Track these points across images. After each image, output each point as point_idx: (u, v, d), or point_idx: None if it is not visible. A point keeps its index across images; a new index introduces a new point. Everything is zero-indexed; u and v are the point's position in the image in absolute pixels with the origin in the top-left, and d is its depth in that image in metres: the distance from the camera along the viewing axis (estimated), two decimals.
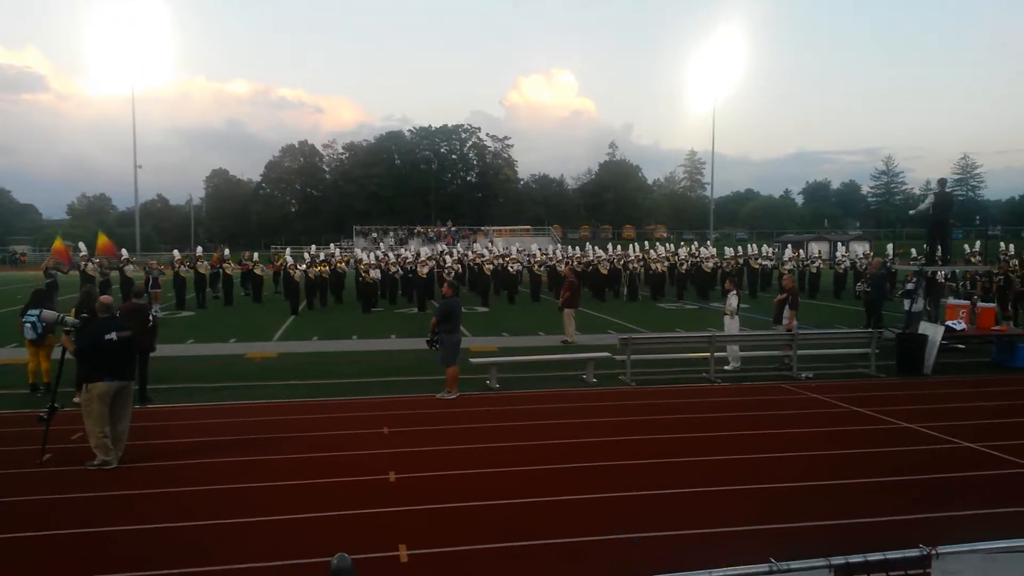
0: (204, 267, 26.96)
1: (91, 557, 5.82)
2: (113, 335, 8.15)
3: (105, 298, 8.72)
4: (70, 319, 8.62)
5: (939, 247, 16.34)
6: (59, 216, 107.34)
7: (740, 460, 8.38)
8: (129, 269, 25.02)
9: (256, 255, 30.53)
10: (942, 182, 16.72)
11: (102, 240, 30.23)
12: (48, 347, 11.78)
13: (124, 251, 27.59)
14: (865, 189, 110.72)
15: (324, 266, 26.79)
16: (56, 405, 8.39)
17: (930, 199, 15.94)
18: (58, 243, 28.77)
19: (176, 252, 29.30)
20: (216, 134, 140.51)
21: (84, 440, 8.99)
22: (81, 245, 27.34)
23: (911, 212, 22.18)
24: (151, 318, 11.29)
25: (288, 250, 35.22)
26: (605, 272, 29.30)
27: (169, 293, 26.53)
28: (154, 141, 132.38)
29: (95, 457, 8.00)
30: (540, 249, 36.25)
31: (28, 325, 11.40)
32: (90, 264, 24.99)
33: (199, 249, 29.78)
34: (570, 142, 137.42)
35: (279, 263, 29.83)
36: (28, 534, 6.27)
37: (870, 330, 14.81)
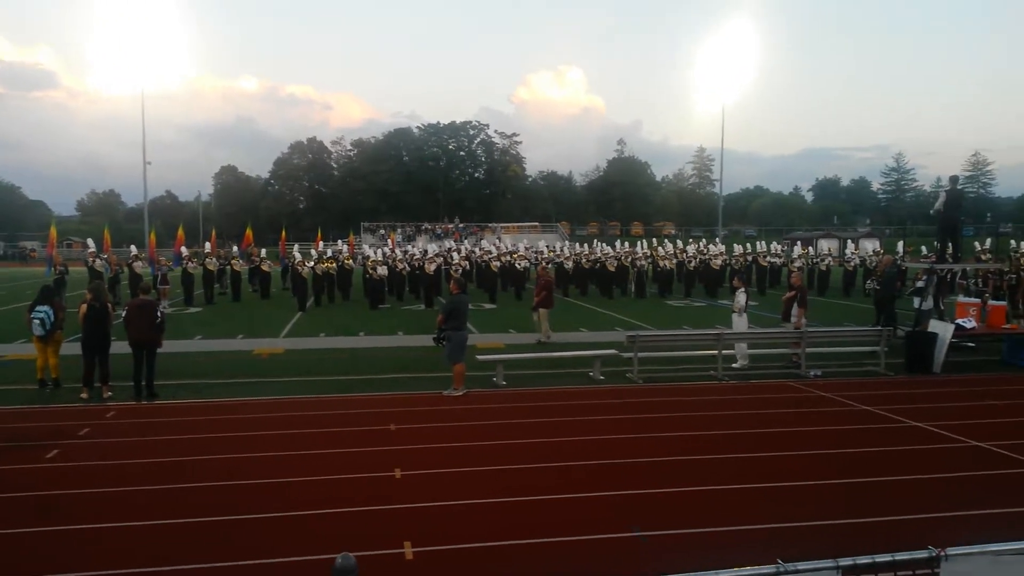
0: (212, 263, 27.02)
1: (97, 553, 5.82)
2: None
3: None
4: None
5: (950, 244, 16.23)
6: (68, 212, 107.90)
7: (747, 458, 8.34)
8: (138, 266, 25.12)
9: (264, 251, 30.60)
10: (953, 179, 16.63)
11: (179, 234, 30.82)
12: (56, 343, 11.84)
13: (133, 247, 27.70)
14: (875, 186, 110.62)
15: (331, 263, 26.84)
16: None
17: (943, 197, 15.80)
18: (52, 232, 29.33)
19: (183, 248, 29.37)
20: (225, 131, 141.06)
21: (90, 436, 9.09)
22: (89, 241, 27.53)
23: (931, 211, 22.07)
24: (159, 314, 11.35)
25: (296, 247, 35.28)
26: (612, 269, 29.21)
27: (177, 289, 26.64)
28: (164, 138, 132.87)
29: None
30: (548, 246, 36.16)
31: (36, 321, 11.46)
32: (98, 260, 25.10)
33: (207, 245, 29.88)
34: (579, 139, 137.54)
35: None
36: (32, 530, 6.29)
37: (880, 328, 14.71)
